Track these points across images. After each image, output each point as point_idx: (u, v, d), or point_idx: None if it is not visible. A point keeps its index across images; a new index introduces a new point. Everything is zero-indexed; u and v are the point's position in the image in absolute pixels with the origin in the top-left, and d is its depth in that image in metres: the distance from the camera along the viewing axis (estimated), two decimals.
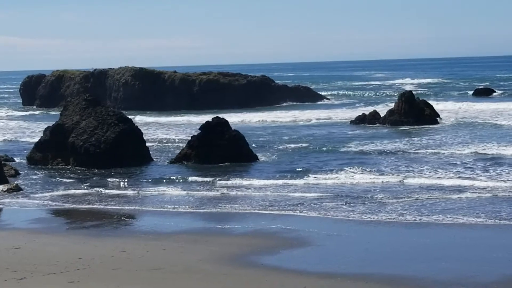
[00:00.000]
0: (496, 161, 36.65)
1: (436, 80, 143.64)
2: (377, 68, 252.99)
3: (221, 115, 43.68)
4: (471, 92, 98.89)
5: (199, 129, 41.08)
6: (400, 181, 31.90)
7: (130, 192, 32.20)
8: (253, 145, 43.46)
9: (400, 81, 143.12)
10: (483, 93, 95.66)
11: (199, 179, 34.58)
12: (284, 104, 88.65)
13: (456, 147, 42.94)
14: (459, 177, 32.44)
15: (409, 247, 21.33)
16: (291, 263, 19.69)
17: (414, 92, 64.92)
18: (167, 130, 60.85)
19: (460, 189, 29.55)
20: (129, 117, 43.55)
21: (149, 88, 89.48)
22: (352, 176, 33.63)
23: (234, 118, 58.30)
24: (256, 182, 33.26)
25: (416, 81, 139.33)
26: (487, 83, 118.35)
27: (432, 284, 17.35)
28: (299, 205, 27.69)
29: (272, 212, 26.82)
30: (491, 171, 33.89)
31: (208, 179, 34.42)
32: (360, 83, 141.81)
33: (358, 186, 31.37)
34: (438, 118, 59.88)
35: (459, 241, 21.96)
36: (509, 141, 44.67)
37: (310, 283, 17.58)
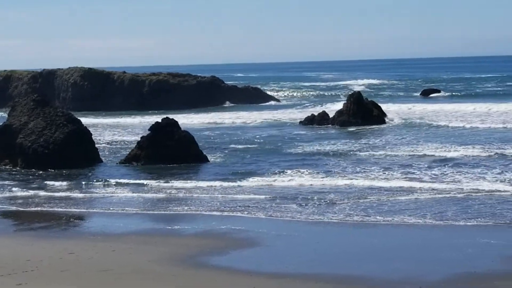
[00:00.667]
0: (441, 162, 37.07)
1: (385, 81, 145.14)
2: (326, 69, 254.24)
3: (170, 116, 43.61)
4: (418, 93, 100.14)
5: (149, 129, 40.90)
6: (348, 183, 32.07)
7: (78, 193, 31.92)
8: (203, 146, 43.42)
9: (350, 82, 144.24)
10: (430, 94, 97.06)
11: (148, 180, 34.41)
12: (233, 105, 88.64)
13: (402, 147, 43.39)
14: (406, 178, 32.70)
15: (359, 247, 21.53)
16: (241, 263, 19.76)
17: (363, 93, 65.52)
18: (116, 130, 60.50)
19: (407, 190, 29.79)
20: (78, 117, 43.16)
21: (98, 88, 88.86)
22: (301, 177, 33.78)
23: (183, 119, 58.09)
24: (205, 183, 33.17)
25: (365, 81, 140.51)
26: (432, 84, 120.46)
27: (382, 283, 17.54)
28: (248, 206, 27.70)
29: (221, 213, 26.81)
30: (437, 171, 34.24)
31: (157, 180, 34.27)
32: (309, 83, 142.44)
33: (306, 187, 31.48)
34: (386, 119, 60.56)
35: (408, 241, 22.25)
36: (454, 142, 45.29)
37: (260, 283, 17.64)
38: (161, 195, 30.87)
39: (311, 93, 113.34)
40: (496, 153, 39.26)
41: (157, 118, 43.72)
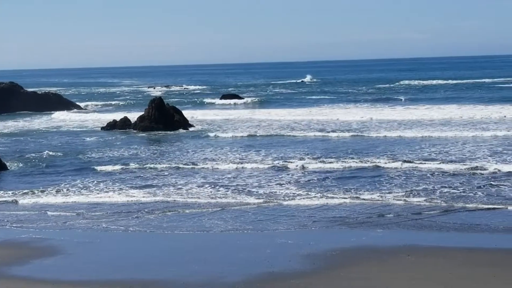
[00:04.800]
0: (216, 172, 37.01)
1: (191, 86, 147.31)
2: (126, 75, 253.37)
3: None
4: (218, 98, 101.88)
5: None
6: (146, 194, 31.43)
7: None
8: None
9: (147, 88, 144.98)
10: (230, 98, 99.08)
11: None
12: (33, 112, 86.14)
13: (197, 155, 43.52)
14: (202, 186, 32.72)
15: (159, 252, 21.74)
16: (42, 272, 19.44)
17: (164, 99, 65.91)
18: None
19: (187, 204, 29.30)
20: None
21: None
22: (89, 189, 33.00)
23: None
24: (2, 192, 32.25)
25: (174, 88, 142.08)
26: (231, 89, 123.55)
27: (183, 286, 17.83)
28: (50, 216, 27.31)
29: (22, 224, 26.21)
30: (217, 180, 34.36)
31: None
32: (113, 89, 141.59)
33: (93, 198, 30.95)
34: (188, 124, 61.27)
35: (206, 244, 22.66)
36: (231, 151, 46.39)
37: None
38: None
39: (115, 98, 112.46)
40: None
41: None
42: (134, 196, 30.92)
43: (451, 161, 37.55)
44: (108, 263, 20.45)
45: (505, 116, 61.81)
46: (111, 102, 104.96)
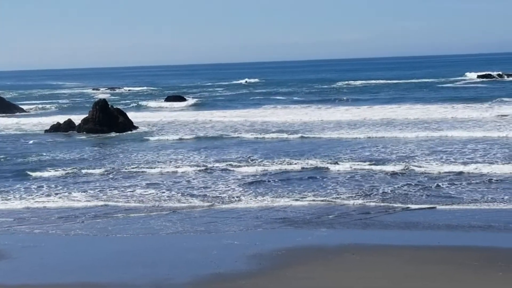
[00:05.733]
0: (181, 173, 36.99)
1: (136, 88, 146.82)
2: (70, 78, 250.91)
3: None
4: (163, 100, 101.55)
5: None
6: (90, 198, 31.16)
7: None
8: None
9: (92, 90, 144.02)
10: (175, 100, 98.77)
11: None
12: None
13: (141, 158, 43.24)
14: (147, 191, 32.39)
15: (106, 256, 21.73)
16: None
17: (109, 101, 65.52)
18: None
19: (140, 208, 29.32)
20: None
21: None
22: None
23: None
24: None
25: (118, 90, 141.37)
26: (176, 91, 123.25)
27: None
28: None
29: None
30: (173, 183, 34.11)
31: None
32: (57, 92, 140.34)
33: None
34: (132, 126, 61.04)
35: (152, 246, 22.67)
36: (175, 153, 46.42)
37: None
38: None
39: (59, 101, 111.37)
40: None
41: None
42: (77, 200, 30.69)
43: (393, 161, 38.08)
44: (54, 267, 20.35)
45: (448, 117, 62.79)
46: (55, 104, 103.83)
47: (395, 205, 27.53)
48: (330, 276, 18.35)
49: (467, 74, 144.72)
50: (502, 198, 28.12)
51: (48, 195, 31.95)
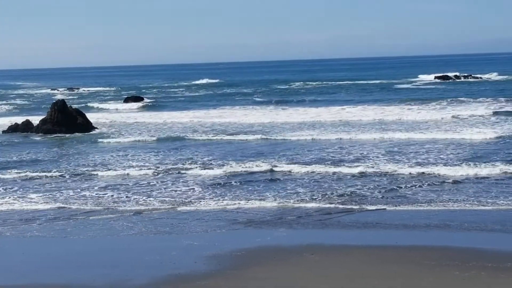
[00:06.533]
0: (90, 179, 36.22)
1: (94, 88, 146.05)
2: (28, 78, 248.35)
3: None
4: (121, 101, 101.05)
5: None
6: (47, 200, 30.95)
7: None
8: None
9: (50, 90, 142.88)
10: (134, 101, 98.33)
11: None
12: None
13: (99, 159, 42.92)
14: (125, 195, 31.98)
15: (64, 257, 21.57)
16: None
17: (67, 102, 65.15)
18: None
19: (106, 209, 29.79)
20: None
21: None
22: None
23: None
24: None
25: (77, 90, 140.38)
26: (134, 92, 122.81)
27: None
28: None
29: None
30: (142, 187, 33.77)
31: None
32: (14, 92, 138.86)
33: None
34: (91, 127, 60.72)
35: (111, 247, 22.63)
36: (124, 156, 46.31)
37: None
38: None
39: (16, 101, 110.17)
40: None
41: None
42: (33, 202, 30.40)
43: (350, 162, 38.36)
44: (10, 269, 20.18)
45: (404, 118, 63.30)
46: (12, 105, 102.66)
47: (353, 206, 27.72)
48: (289, 276, 18.44)
49: (425, 75, 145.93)
50: (457, 199, 28.48)
51: (2, 197, 31.61)
